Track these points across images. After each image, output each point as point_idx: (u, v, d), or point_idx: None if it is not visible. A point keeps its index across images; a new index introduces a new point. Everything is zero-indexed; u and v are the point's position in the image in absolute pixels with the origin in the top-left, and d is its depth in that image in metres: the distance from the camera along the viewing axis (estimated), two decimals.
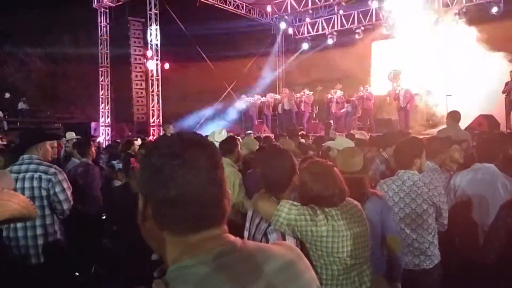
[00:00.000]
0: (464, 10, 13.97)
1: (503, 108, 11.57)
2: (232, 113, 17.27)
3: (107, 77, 16.13)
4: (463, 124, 8.79)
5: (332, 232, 1.99)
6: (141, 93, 15.79)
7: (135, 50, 15.23)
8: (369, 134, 11.66)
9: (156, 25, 14.31)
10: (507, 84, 11.64)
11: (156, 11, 14.29)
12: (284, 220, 1.97)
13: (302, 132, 12.44)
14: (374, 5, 15.00)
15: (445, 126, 6.51)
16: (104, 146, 11.71)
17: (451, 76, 12.51)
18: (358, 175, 2.64)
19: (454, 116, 6.16)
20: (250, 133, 10.68)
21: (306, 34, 18.40)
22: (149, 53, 14.38)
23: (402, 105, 12.69)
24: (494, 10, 13.53)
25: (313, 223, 1.98)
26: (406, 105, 12.62)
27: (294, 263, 0.93)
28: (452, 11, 14.07)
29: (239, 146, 4.28)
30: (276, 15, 18.24)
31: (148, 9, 14.22)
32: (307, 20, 17.86)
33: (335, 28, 17.07)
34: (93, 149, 5.41)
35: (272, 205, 2.02)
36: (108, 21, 15.95)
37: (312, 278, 0.95)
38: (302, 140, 7.43)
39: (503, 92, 11.67)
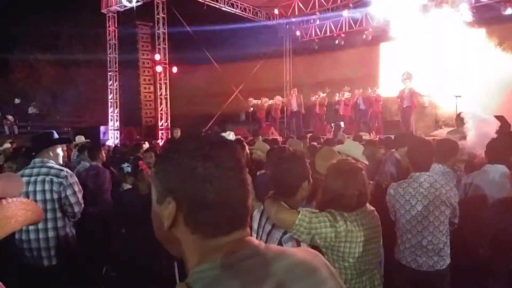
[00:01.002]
0: (474, 10, 13.87)
1: None
2: (240, 116, 17.32)
3: (115, 81, 16.27)
4: None
5: (350, 238, 2.00)
6: (149, 96, 15.93)
7: (143, 54, 15.37)
8: (377, 136, 11.68)
9: (164, 29, 14.39)
10: None
11: (164, 15, 14.39)
12: (305, 230, 1.95)
13: (310, 134, 12.44)
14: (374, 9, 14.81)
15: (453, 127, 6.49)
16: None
17: (460, 77, 12.40)
18: None
19: (461, 118, 6.18)
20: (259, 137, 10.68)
21: (313, 36, 18.38)
22: (157, 56, 14.47)
23: (405, 105, 12.66)
24: (505, 11, 13.42)
25: (333, 229, 1.98)
26: (409, 105, 12.58)
27: (318, 270, 0.90)
28: (460, 12, 13.98)
29: (247, 148, 4.30)
30: (284, 18, 18.25)
31: (156, 13, 14.32)
32: (315, 22, 17.86)
33: (343, 30, 17.04)
34: (103, 152, 5.47)
35: (292, 215, 1.98)
36: (116, 26, 16.10)
37: (337, 286, 0.91)
38: (314, 143, 7.42)
39: None
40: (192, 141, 0.88)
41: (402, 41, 13.95)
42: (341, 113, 14.88)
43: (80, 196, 3.38)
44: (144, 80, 16.05)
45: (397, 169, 4.53)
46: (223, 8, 16.04)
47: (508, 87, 11.70)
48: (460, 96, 10.78)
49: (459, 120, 6.31)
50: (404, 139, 4.93)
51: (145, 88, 16.01)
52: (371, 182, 4.03)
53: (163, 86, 14.62)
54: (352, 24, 16.72)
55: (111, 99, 16.36)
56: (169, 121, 14.82)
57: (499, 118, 9.95)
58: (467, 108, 7.41)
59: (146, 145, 8.43)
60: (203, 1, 15.02)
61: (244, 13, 17.05)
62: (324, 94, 15.48)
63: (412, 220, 2.90)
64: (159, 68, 14.46)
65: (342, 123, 14.02)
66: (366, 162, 3.52)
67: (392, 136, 7.48)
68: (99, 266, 4.42)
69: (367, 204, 2.17)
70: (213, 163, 0.84)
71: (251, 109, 16.18)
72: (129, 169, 4.56)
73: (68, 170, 3.43)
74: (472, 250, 3.27)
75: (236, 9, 16.63)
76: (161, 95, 14.67)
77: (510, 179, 3.06)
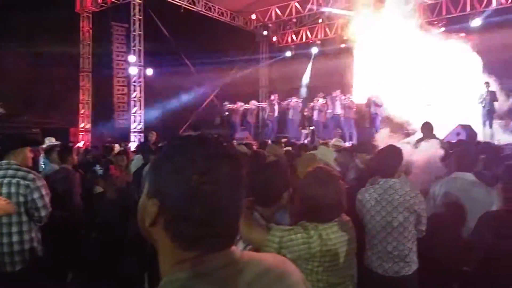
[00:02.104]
0: (444, 22, 14.37)
1: (480, 118, 11.92)
2: (215, 120, 17.24)
3: (88, 81, 15.91)
4: (443, 133, 9.01)
5: (324, 252, 1.93)
6: (123, 98, 15.63)
7: (117, 55, 15.10)
8: (350, 142, 11.88)
9: (140, 30, 14.22)
10: (481, 95, 12.02)
11: (140, 17, 14.22)
12: (275, 250, 1.87)
13: (286, 139, 12.50)
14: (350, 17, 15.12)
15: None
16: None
17: (430, 86, 12.79)
18: None
19: (428, 127, 6.43)
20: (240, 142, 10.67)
21: (290, 42, 18.56)
22: (132, 58, 14.25)
23: (373, 112, 12.99)
24: (474, 22, 13.94)
25: (306, 246, 1.91)
26: (376, 112, 12.91)
27: (289, 275, 0.90)
28: (433, 23, 14.46)
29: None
30: (261, 23, 18.35)
31: (132, 14, 14.13)
32: (292, 28, 18.07)
33: (319, 37, 17.28)
34: (74, 155, 5.31)
35: (261, 235, 1.89)
36: (91, 26, 15.77)
37: None
38: (289, 148, 7.45)
39: (479, 102, 12.05)
40: (198, 146, 0.83)
41: (375, 49, 14.28)
42: (315, 119, 15.04)
43: (47, 199, 3.27)
44: (118, 81, 15.76)
45: (359, 175, 4.60)
46: (201, 12, 15.99)
47: (476, 97, 12.16)
48: (430, 105, 11.13)
49: (426, 129, 6.54)
50: (366, 146, 5.01)
51: (118, 89, 15.71)
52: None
53: (138, 88, 14.41)
54: (328, 31, 16.99)
55: (82, 100, 15.98)
56: (142, 123, 14.60)
57: (466, 127, 10.37)
58: (436, 117, 7.67)
59: (117, 148, 8.26)
60: (180, 4, 14.93)
61: (221, 17, 17.05)
62: (299, 100, 15.63)
63: (377, 226, 2.94)
64: (133, 70, 14.25)
65: (314, 129, 14.18)
66: (338, 169, 3.56)
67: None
68: (65, 272, 4.28)
69: (343, 214, 2.10)
70: (210, 178, 0.79)
71: (226, 113, 16.15)
72: (101, 172, 4.46)
73: (36, 173, 3.32)
74: (441, 257, 3.35)
75: (213, 13, 16.61)
76: (135, 97, 14.46)
77: (499, 192, 3.01)
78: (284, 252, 1.88)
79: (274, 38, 18.78)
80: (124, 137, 14.48)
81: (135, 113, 14.50)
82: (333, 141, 12.07)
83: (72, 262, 4.29)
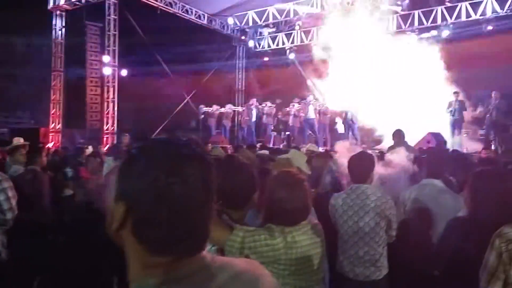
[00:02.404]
0: (416, 32, 14.79)
1: (448, 127, 12.34)
2: (190, 123, 17.14)
3: (60, 81, 15.50)
4: (414, 141, 9.25)
5: (290, 255, 1.91)
6: (96, 99, 15.32)
7: (91, 55, 14.81)
8: (325, 148, 12.03)
9: (115, 31, 13.99)
10: (450, 104, 12.46)
11: (115, 17, 13.99)
12: (237, 250, 1.84)
13: (260, 143, 12.54)
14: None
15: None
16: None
17: (401, 95, 13.14)
18: None
19: (399, 134, 6.60)
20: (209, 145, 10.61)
21: (266, 48, 18.68)
22: (106, 58, 14.00)
23: (348, 118, 13.30)
24: (444, 33, 14.41)
25: (270, 248, 1.88)
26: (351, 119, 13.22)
27: (261, 279, 0.90)
28: (404, 32, 14.86)
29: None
30: (238, 27, 18.39)
31: (106, 14, 13.89)
32: (268, 33, 18.19)
33: (295, 43, 17.45)
34: (43, 156, 5.16)
35: (223, 234, 1.85)
36: (64, 24, 15.40)
37: None
38: (262, 152, 7.47)
39: (447, 111, 12.51)
40: (165, 148, 0.82)
41: (348, 56, 14.55)
42: (290, 124, 15.16)
43: (14, 202, 3.17)
44: (91, 81, 15.44)
45: (334, 180, 4.65)
46: (177, 14, 15.89)
47: (445, 106, 12.58)
48: (400, 113, 11.46)
49: (397, 136, 6.70)
50: (346, 150, 5.10)
51: (91, 90, 15.39)
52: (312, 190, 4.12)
53: (111, 89, 14.16)
54: (304, 37, 17.17)
55: (53, 99, 15.54)
56: (115, 125, 14.34)
57: (436, 135, 10.67)
58: (408, 124, 7.88)
59: (89, 150, 8.08)
60: (157, 5, 14.80)
61: (198, 20, 16.99)
62: (273, 105, 15.71)
63: (349, 231, 2.99)
64: (107, 70, 14.01)
65: (290, 134, 14.31)
66: (309, 172, 3.59)
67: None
68: (31, 277, 4.14)
69: (311, 217, 2.11)
70: (178, 179, 0.77)
71: (202, 116, 16.07)
72: (72, 174, 4.35)
73: (3, 174, 3.21)
74: (411, 262, 3.43)
75: (190, 15, 16.53)
76: (108, 98, 14.20)
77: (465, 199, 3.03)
78: (247, 253, 1.86)
79: (251, 43, 18.84)
80: (96, 139, 14.18)
81: (108, 114, 14.23)
82: (308, 146, 12.21)
83: (38, 266, 4.16)
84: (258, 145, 12.40)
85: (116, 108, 14.32)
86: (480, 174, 2.40)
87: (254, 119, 15.63)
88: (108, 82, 14.16)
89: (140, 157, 0.81)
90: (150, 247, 0.78)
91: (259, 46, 18.92)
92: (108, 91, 14.18)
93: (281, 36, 17.96)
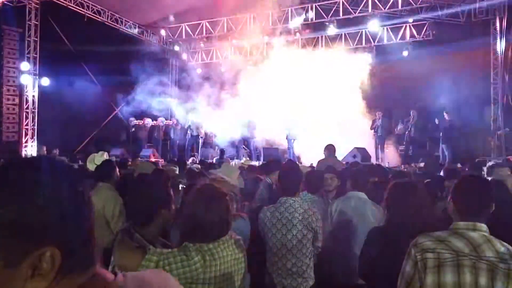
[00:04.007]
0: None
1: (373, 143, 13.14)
2: (120, 136, 16.42)
3: None
4: (341, 155, 9.66)
5: (209, 273, 1.85)
6: (13, 109, 14.09)
7: (8, 62, 13.63)
8: (258, 162, 12.14)
9: (36, 37, 13.11)
10: (374, 121, 13.30)
11: (37, 22, 13.13)
12: None
13: (193, 158, 12.36)
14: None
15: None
16: None
17: (326, 109, 13.81)
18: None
19: (331, 149, 6.95)
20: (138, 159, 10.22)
21: (200, 61, 18.59)
22: (25, 66, 13.02)
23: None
24: (371, 57, 15.24)
25: (187, 269, 1.81)
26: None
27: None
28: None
29: (117, 170, 4.04)
30: (171, 40, 18.13)
31: (27, 19, 12.99)
32: (202, 47, 18.14)
33: (229, 58, 17.53)
34: None
35: (135, 260, 1.75)
36: None
37: None
38: (194, 166, 7.40)
39: (371, 128, 13.34)
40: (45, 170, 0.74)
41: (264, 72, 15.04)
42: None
43: None
44: (8, 90, 14.18)
45: (269, 194, 4.70)
46: (106, 23, 15.30)
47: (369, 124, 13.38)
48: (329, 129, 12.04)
49: (328, 150, 7.02)
50: (275, 165, 5.16)
51: (8, 99, 14.12)
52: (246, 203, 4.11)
53: (31, 99, 13.19)
54: (237, 53, 17.34)
55: None
56: (35, 137, 13.34)
57: (361, 150, 11.24)
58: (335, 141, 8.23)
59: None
60: (83, 12, 14.13)
61: (128, 30, 16.48)
62: None
63: (277, 243, 3.02)
64: (26, 79, 13.03)
65: (223, 148, 14.27)
66: (241, 186, 3.58)
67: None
68: None
69: (232, 233, 2.05)
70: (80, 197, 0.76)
71: (133, 129, 15.49)
72: None
73: None
74: (336, 272, 3.50)
75: (120, 25, 15.99)
76: (27, 108, 13.19)
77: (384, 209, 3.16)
78: None
79: (184, 56, 18.64)
80: (13, 152, 13.04)
81: (27, 126, 13.20)
82: (242, 160, 12.26)
83: None
84: (190, 160, 12.22)
85: (36, 120, 13.35)
86: (395, 187, 2.51)
87: (195, 133, 15.37)
88: (27, 91, 13.18)
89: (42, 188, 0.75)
90: (75, 269, 0.75)
91: (193, 59, 18.77)
92: (27, 101, 13.19)
93: (214, 50, 17.97)
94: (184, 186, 4.40)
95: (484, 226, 1.93)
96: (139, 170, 4.61)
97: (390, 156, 13.23)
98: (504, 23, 12.68)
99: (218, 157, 13.55)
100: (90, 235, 0.77)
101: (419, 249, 1.93)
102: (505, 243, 1.90)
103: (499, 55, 13.21)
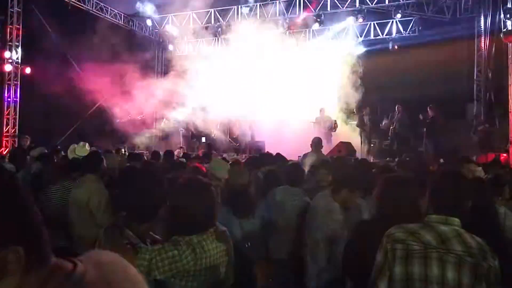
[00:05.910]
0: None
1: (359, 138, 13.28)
2: (106, 128, 16.19)
3: None
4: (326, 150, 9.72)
5: (200, 266, 1.87)
6: None
7: None
8: (244, 156, 12.13)
9: (18, 24, 12.81)
10: (361, 117, 13.44)
11: (19, 10, 12.82)
12: (144, 274, 1.74)
13: (179, 150, 12.28)
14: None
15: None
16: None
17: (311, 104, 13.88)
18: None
19: (317, 143, 6.99)
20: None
21: (187, 53, 18.38)
22: (6, 54, 12.72)
23: None
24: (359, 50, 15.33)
25: (179, 264, 1.82)
26: None
27: (129, 267, 0.96)
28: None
29: (104, 162, 3.99)
30: (157, 30, 17.89)
31: (9, 6, 12.67)
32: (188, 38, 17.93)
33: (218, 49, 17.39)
34: None
35: (126, 258, 1.75)
36: None
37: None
38: (183, 159, 7.38)
39: (357, 125, 13.49)
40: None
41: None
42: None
43: None
44: None
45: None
46: (91, 11, 15.01)
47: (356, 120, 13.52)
48: (314, 122, 12.09)
49: (315, 144, 7.04)
50: (267, 158, 5.19)
51: None
52: None
53: (12, 88, 12.91)
54: (225, 44, 17.21)
55: None
56: (17, 127, 13.09)
57: (347, 144, 11.30)
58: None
59: None
60: (67, 0, 13.83)
61: (114, 19, 16.21)
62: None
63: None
64: (8, 67, 12.74)
65: (210, 142, 14.23)
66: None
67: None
68: None
69: (218, 224, 2.06)
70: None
71: (117, 121, 15.29)
72: None
73: None
74: None
75: (105, 14, 15.71)
76: (9, 97, 12.92)
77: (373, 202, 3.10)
78: (154, 274, 1.78)
79: (171, 47, 18.41)
80: None
81: (8, 115, 12.94)
82: (232, 155, 12.26)
83: None
84: (176, 152, 12.13)
85: (18, 109, 13.09)
86: (388, 180, 2.53)
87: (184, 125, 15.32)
88: (9, 80, 12.89)
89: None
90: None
91: (180, 51, 18.55)
92: (8, 90, 12.91)
93: (202, 41, 17.79)
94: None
95: (456, 220, 1.96)
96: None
97: (375, 151, 13.37)
98: (488, 21, 12.86)
99: (205, 150, 13.50)
100: (41, 228, 0.79)
101: (390, 240, 1.98)
102: (478, 238, 1.92)
103: (482, 52, 13.42)
